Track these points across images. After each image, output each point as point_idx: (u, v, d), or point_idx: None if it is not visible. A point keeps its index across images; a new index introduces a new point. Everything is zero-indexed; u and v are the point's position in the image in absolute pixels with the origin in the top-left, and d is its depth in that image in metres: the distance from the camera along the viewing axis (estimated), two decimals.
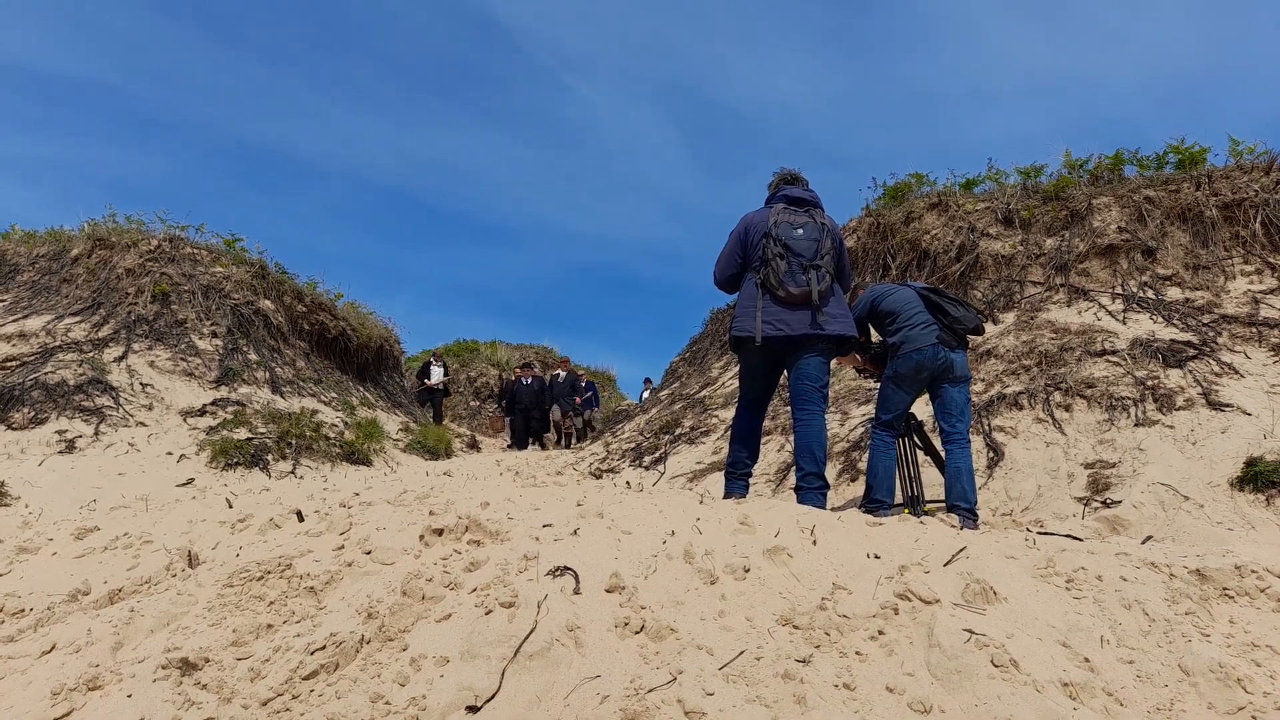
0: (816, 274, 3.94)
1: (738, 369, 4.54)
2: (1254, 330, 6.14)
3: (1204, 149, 8.39)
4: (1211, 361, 5.79)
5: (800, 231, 4.02)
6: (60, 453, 6.80)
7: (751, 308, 4.03)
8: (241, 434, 7.91)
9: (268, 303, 11.13)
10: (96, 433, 7.23)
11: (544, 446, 14.83)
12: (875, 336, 4.86)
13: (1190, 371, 5.70)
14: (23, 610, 2.51)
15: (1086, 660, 1.98)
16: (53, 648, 2.22)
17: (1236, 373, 5.59)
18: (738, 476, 4.26)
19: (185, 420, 8.06)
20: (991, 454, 5.49)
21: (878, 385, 5.75)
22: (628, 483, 7.06)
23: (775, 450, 6.83)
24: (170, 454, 7.27)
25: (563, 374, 15.00)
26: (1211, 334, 6.24)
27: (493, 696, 1.84)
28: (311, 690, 1.91)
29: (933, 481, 4.91)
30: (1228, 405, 5.15)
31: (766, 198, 4.37)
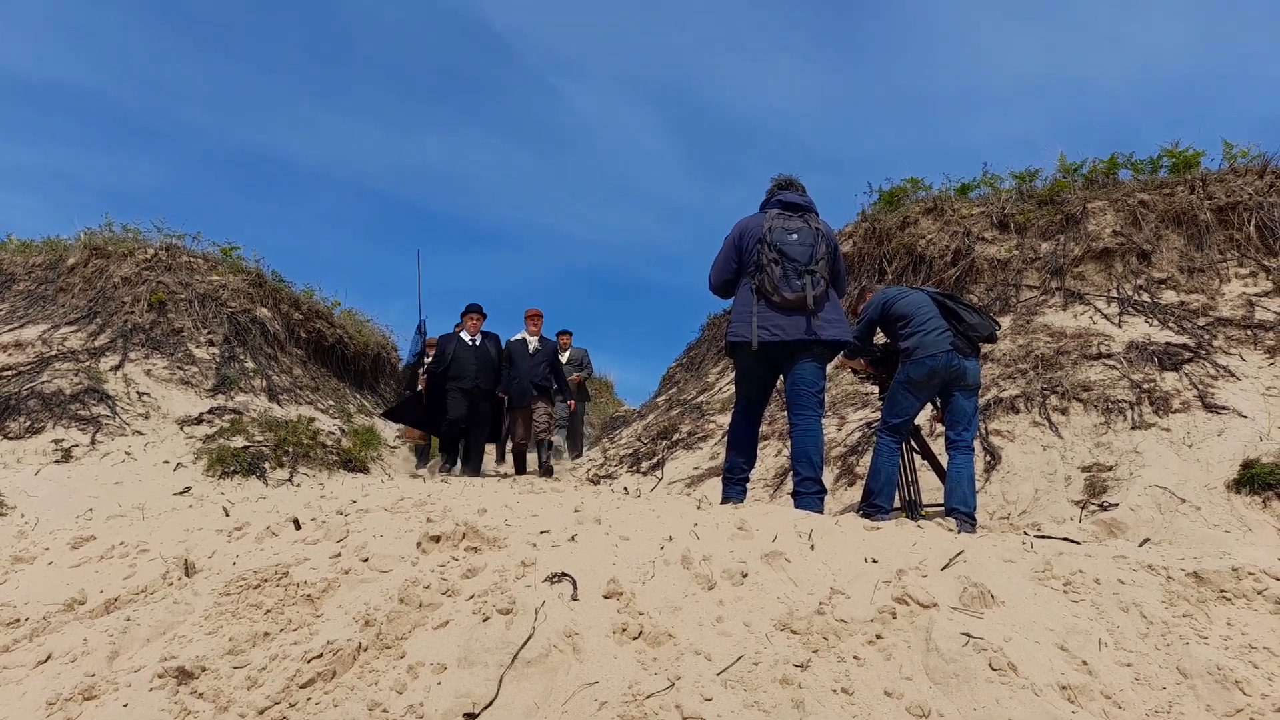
0: (811, 279, 3.94)
1: (734, 375, 4.54)
2: (1249, 333, 6.16)
3: (1198, 152, 8.43)
4: (1207, 364, 5.80)
5: (795, 237, 4.03)
6: (56, 462, 6.78)
7: (747, 313, 4.03)
8: (238, 442, 7.89)
9: (264, 311, 11.11)
10: (93, 442, 7.21)
11: (475, 470, 8.00)
12: (878, 339, 4.86)
13: (1186, 374, 5.71)
14: (18, 620, 2.50)
15: (1084, 663, 1.98)
16: (48, 658, 2.21)
17: (1232, 375, 5.60)
18: (735, 482, 4.25)
19: (182, 429, 8.04)
20: (988, 458, 5.50)
21: (876, 389, 5.76)
22: (625, 488, 7.06)
23: (772, 455, 6.83)
24: (167, 463, 7.25)
25: (533, 339, 8.40)
26: (1207, 337, 6.25)
27: (490, 703, 1.83)
28: (309, 698, 1.90)
29: (929, 486, 4.92)
30: (1224, 408, 5.16)
31: (761, 202, 4.38)
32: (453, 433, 7.93)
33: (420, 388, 8.21)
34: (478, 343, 8.05)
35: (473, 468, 7.98)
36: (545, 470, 8.07)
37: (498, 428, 8.42)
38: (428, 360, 8.51)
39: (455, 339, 8.02)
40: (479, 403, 7.88)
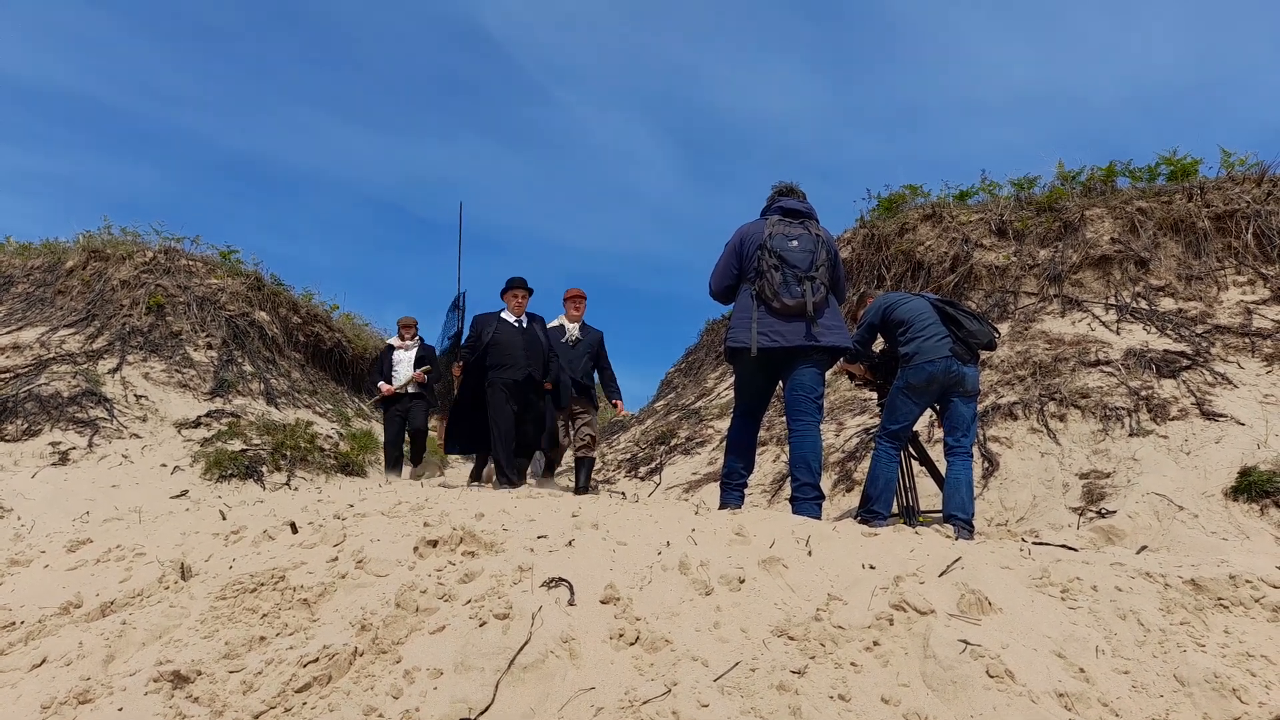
0: (811, 285, 3.95)
1: (733, 380, 4.55)
2: (1247, 340, 6.17)
3: (1195, 160, 8.46)
4: (1205, 372, 5.81)
5: (795, 243, 4.04)
6: (54, 465, 6.76)
7: (747, 319, 4.04)
8: (236, 445, 7.88)
9: (263, 314, 11.11)
10: (90, 444, 7.19)
11: (520, 477, 6.27)
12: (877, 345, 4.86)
13: (1184, 382, 5.72)
14: (13, 623, 2.49)
15: (1082, 671, 1.98)
16: (43, 661, 2.20)
17: (1230, 383, 5.61)
18: (733, 487, 4.25)
19: (179, 432, 8.03)
20: (986, 464, 5.50)
21: (874, 395, 5.76)
22: (623, 493, 7.05)
23: (770, 461, 6.83)
24: (164, 466, 7.24)
25: (573, 326, 6.96)
26: (1205, 344, 6.26)
27: (487, 708, 1.83)
28: (304, 703, 1.90)
29: (927, 492, 4.92)
30: (1221, 415, 5.17)
31: (762, 209, 4.39)
32: (503, 439, 6.09)
33: (455, 375, 6.42)
34: (524, 325, 6.39)
35: (517, 474, 6.15)
36: (582, 490, 6.48)
37: (548, 430, 6.55)
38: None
39: (496, 320, 6.36)
40: (529, 397, 6.22)
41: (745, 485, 4.32)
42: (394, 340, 8.58)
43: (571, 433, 6.81)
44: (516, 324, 6.32)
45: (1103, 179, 8.92)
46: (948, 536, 3.28)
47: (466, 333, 6.44)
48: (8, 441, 6.96)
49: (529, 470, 6.92)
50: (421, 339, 8.54)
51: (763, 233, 4.08)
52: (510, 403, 6.04)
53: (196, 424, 8.28)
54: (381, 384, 8.36)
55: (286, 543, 3.00)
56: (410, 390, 8.16)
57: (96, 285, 10.26)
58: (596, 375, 7.04)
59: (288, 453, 8.11)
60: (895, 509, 4.47)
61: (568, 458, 7.82)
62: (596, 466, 8.76)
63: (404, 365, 8.25)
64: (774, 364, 4.09)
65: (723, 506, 4.17)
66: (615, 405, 7.13)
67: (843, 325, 4.11)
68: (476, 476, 7.18)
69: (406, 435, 8.34)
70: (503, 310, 6.43)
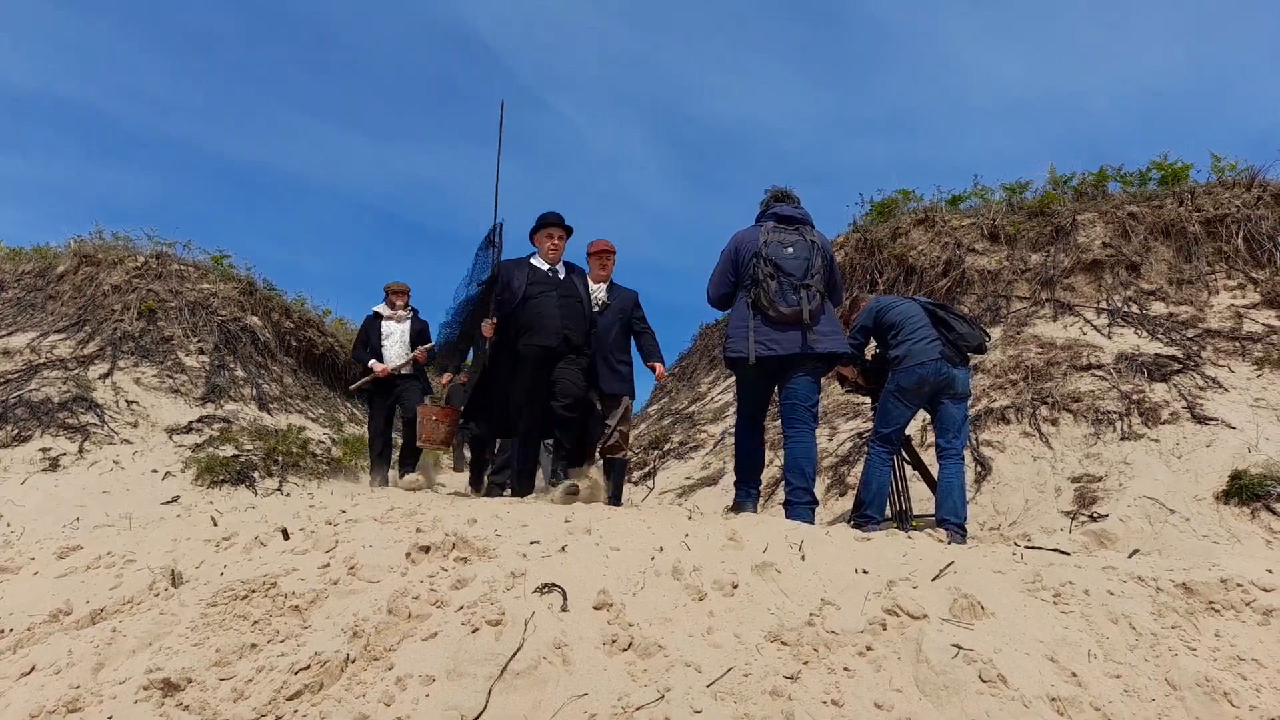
0: (807, 293, 3.97)
1: (729, 384, 4.57)
2: (1237, 344, 6.20)
3: (1186, 165, 8.50)
4: (1196, 375, 5.84)
5: (790, 250, 4.05)
6: (44, 471, 6.72)
7: (744, 328, 4.06)
8: (228, 451, 7.84)
9: (255, 319, 11.07)
10: (81, 450, 7.15)
11: (571, 484, 4.43)
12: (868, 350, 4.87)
13: (1175, 385, 5.74)
14: (2, 631, 2.47)
15: (1074, 675, 1.98)
16: (32, 669, 2.18)
17: (1221, 386, 5.64)
18: (749, 486, 4.31)
19: (171, 437, 7.98)
20: (979, 468, 5.51)
21: (866, 400, 5.77)
22: None
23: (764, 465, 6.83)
24: (155, 471, 7.19)
25: (599, 287, 5.50)
26: (1196, 348, 6.29)
27: (479, 716, 1.82)
28: (295, 711, 1.89)
29: (920, 496, 4.92)
30: (1212, 419, 5.19)
31: (757, 215, 4.40)
32: (533, 432, 4.95)
33: (488, 335, 4.90)
34: (561, 275, 5.01)
35: (562, 477, 4.63)
36: (614, 500, 5.26)
37: (584, 420, 5.05)
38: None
39: (525, 268, 4.96)
40: (568, 370, 4.79)
41: (759, 484, 4.39)
42: (381, 308, 7.28)
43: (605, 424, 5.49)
44: (550, 274, 4.97)
45: (1094, 183, 8.97)
46: (940, 540, 3.29)
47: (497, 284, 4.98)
48: None
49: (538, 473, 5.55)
50: (415, 311, 7.38)
51: (758, 240, 4.10)
52: (539, 381, 4.76)
53: (188, 429, 8.24)
54: (374, 363, 7.07)
55: (278, 549, 2.99)
56: (405, 371, 7.10)
57: (88, 290, 10.21)
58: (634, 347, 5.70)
59: (280, 458, 8.07)
60: (888, 513, 4.48)
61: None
62: None
63: (395, 340, 7.09)
64: (772, 371, 4.11)
65: (738, 507, 4.21)
66: (653, 369, 5.66)
67: (838, 331, 4.13)
68: (476, 484, 6.72)
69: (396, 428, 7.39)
70: (533, 255, 5.11)
